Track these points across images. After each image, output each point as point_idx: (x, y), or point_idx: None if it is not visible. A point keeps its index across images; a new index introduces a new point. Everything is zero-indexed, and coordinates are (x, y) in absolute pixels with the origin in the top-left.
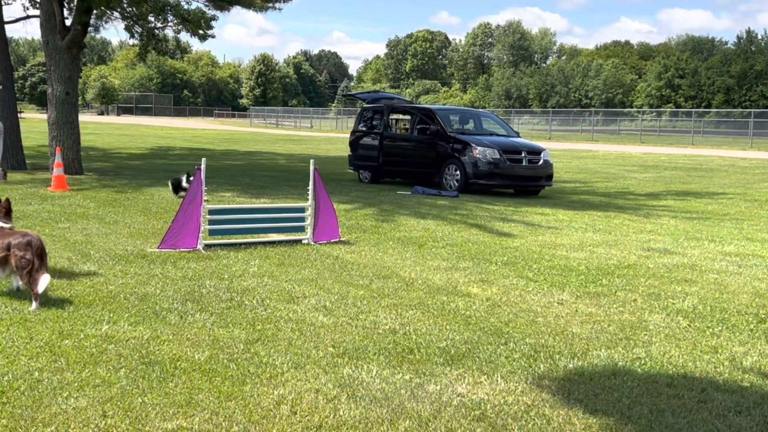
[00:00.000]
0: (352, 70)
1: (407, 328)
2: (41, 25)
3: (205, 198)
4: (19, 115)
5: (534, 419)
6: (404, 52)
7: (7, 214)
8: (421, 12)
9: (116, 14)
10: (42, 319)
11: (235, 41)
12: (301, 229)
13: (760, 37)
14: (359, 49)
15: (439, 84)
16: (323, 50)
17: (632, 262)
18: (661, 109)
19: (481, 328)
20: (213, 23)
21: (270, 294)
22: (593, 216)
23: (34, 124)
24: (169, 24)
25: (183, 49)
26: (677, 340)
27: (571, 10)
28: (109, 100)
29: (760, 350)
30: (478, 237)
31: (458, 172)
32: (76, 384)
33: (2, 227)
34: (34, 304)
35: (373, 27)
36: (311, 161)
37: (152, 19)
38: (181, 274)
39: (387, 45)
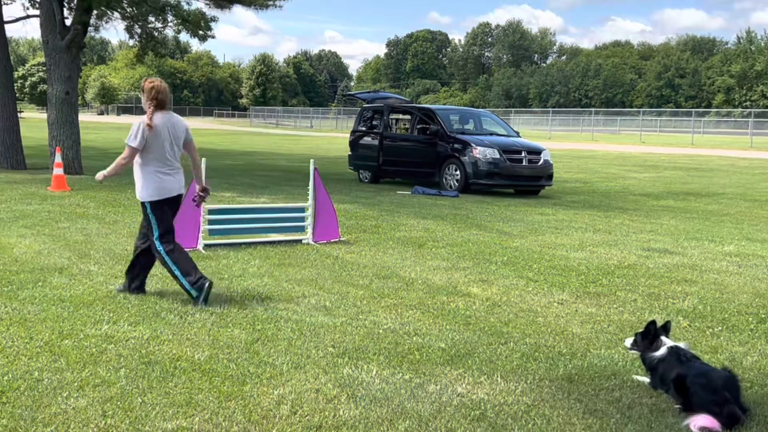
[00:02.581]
0: (349, 69)
1: (407, 328)
2: (41, 24)
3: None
4: (18, 114)
5: (534, 419)
6: (404, 52)
7: None
8: (413, 11)
9: (116, 14)
10: (42, 319)
11: (229, 41)
12: (301, 229)
13: (759, 36)
14: (354, 48)
15: (439, 84)
16: (323, 50)
17: (632, 262)
18: (661, 109)
19: (481, 328)
20: (213, 24)
21: (270, 294)
22: (593, 216)
23: (34, 124)
24: (169, 24)
25: (183, 49)
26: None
27: (563, 9)
28: (108, 100)
29: (760, 350)
30: (478, 237)
31: (458, 172)
32: (76, 384)
33: None
34: None
35: (367, 26)
36: (311, 161)
37: (152, 19)
38: None
39: (387, 45)
